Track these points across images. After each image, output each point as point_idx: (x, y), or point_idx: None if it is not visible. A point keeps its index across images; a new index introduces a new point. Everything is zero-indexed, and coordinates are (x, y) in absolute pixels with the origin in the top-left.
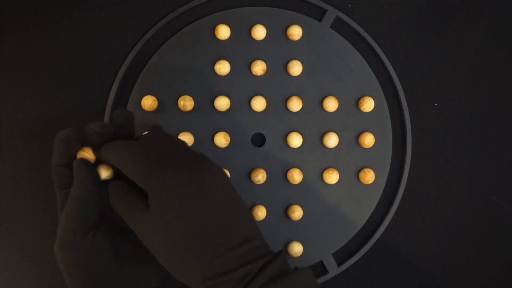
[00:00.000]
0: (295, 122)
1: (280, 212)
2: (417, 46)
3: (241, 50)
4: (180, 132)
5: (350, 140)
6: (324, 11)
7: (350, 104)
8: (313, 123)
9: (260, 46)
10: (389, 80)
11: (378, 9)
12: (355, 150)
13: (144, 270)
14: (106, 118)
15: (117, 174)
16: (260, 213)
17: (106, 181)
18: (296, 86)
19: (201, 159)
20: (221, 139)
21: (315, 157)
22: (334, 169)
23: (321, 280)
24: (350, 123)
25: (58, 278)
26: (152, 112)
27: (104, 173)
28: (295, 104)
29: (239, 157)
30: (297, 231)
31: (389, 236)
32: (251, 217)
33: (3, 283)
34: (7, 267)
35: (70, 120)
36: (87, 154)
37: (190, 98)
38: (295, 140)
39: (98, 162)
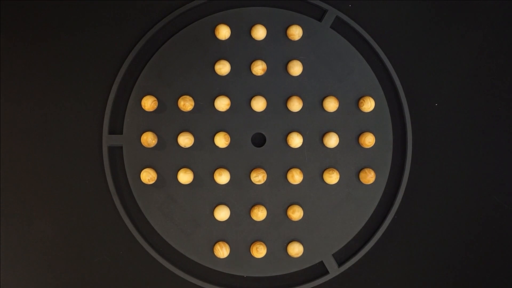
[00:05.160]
0: (295, 122)
1: (281, 212)
2: (417, 46)
3: (241, 50)
4: (180, 132)
5: (351, 140)
6: (324, 11)
7: (351, 104)
8: (314, 123)
9: (260, 46)
10: (389, 80)
11: (378, 9)
12: (355, 150)
13: None
14: (107, 119)
15: None
16: (260, 213)
17: None
18: (296, 86)
19: None
20: (221, 139)
21: (315, 157)
22: (334, 169)
23: (322, 280)
24: (351, 123)
25: (58, 278)
26: (152, 112)
27: None
28: (296, 104)
29: (239, 157)
30: (297, 231)
31: (390, 236)
32: None
33: (3, 283)
34: (7, 267)
35: (70, 120)
36: None
37: (190, 98)
38: (296, 140)
39: None
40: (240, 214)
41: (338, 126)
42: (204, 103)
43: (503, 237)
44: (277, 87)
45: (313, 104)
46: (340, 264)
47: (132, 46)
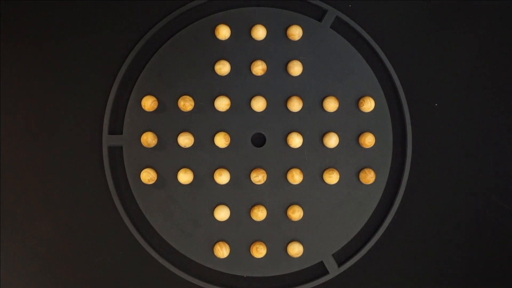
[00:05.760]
0: (295, 122)
1: (280, 212)
2: (417, 46)
3: (241, 50)
4: (180, 132)
5: (350, 140)
6: (324, 11)
7: (350, 104)
8: (313, 123)
9: (260, 46)
10: (389, 80)
11: (378, 9)
12: (355, 150)
13: None
14: (107, 119)
15: None
16: (260, 213)
17: None
18: (296, 86)
19: None
20: (221, 139)
21: (315, 157)
22: (334, 169)
23: (322, 280)
24: (350, 123)
25: (58, 278)
26: (152, 112)
27: None
28: (295, 104)
29: (239, 157)
30: (297, 231)
31: (389, 236)
32: None
33: (3, 283)
34: (7, 267)
35: (70, 120)
36: None
37: (190, 98)
38: (295, 140)
39: None
40: (240, 214)
41: (338, 126)
42: (204, 103)
43: (503, 237)
44: (277, 87)
45: (313, 104)
46: (340, 264)
47: (132, 46)
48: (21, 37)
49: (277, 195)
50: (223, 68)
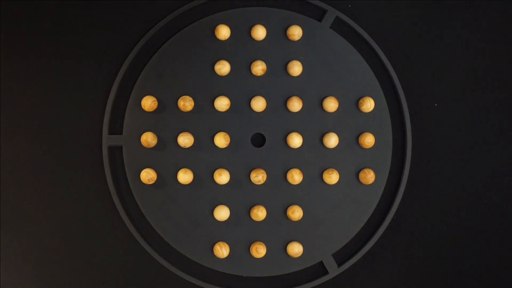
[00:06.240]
0: (295, 122)
1: (280, 213)
2: (417, 46)
3: (241, 50)
4: (180, 132)
5: (350, 140)
6: (324, 11)
7: (350, 104)
8: (313, 123)
9: (260, 46)
10: (389, 80)
11: (378, 9)
12: (355, 150)
13: None
14: (107, 119)
15: None
16: (260, 213)
17: None
18: (296, 86)
19: None
20: (221, 139)
21: (315, 157)
22: (334, 169)
23: (321, 280)
24: (350, 123)
25: (58, 278)
26: (152, 112)
27: None
28: (295, 104)
29: (239, 157)
30: (297, 231)
31: (389, 236)
32: None
33: (3, 283)
34: (7, 267)
35: (70, 120)
36: None
37: (190, 98)
38: (295, 140)
39: None
40: (240, 214)
41: (337, 126)
42: (204, 103)
43: (502, 237)
44: (276, 87)
45: (313, 104)
46: (339, 264)
47: (132, 46)
48: (21, 37)
49: (277, 195)
50: (223, 68)
